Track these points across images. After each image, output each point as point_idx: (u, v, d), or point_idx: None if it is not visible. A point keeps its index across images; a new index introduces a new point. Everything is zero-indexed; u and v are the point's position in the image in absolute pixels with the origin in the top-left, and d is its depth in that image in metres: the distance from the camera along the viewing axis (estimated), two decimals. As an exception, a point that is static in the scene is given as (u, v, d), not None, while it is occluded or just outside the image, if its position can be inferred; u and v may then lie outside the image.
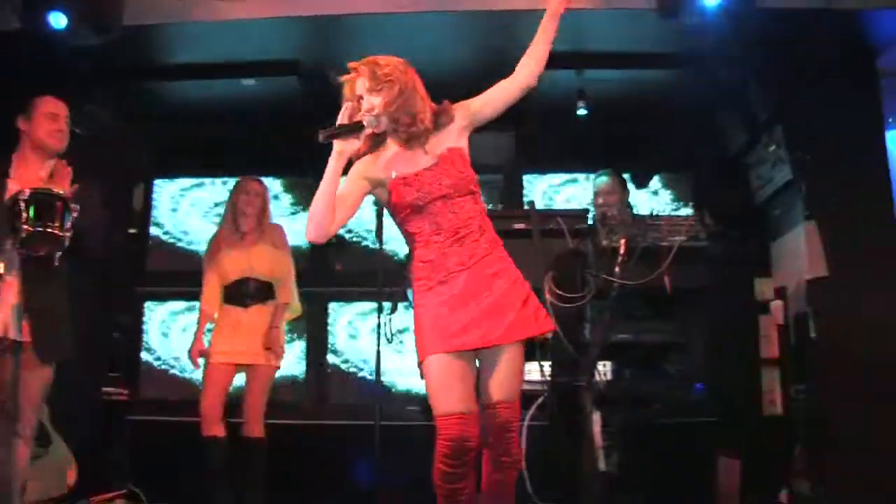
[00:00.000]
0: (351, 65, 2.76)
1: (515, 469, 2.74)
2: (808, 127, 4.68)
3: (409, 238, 2.80)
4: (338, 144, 2.60)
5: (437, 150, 2.75)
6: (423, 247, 2.74)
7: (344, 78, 2.75)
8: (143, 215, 6.18)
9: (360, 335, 5.89)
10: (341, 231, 5.87)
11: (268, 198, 4.70)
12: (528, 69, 2.85)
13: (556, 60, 4.62)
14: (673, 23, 4.15)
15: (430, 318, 2.68)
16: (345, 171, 2.67)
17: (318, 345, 5.89)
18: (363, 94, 2.71)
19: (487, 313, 2.64)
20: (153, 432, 5.24)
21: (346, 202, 2.68)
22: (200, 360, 4.47)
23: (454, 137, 2.80)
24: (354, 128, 2.63)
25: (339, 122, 2.62)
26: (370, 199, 2.88)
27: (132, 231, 6.09)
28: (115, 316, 5.70)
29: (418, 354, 2.69)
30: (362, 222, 5.99)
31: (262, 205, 4.63)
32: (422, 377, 2.69)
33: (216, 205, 6.13)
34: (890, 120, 4.80)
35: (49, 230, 3.18)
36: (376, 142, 2.78)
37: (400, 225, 2.82)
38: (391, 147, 2.80)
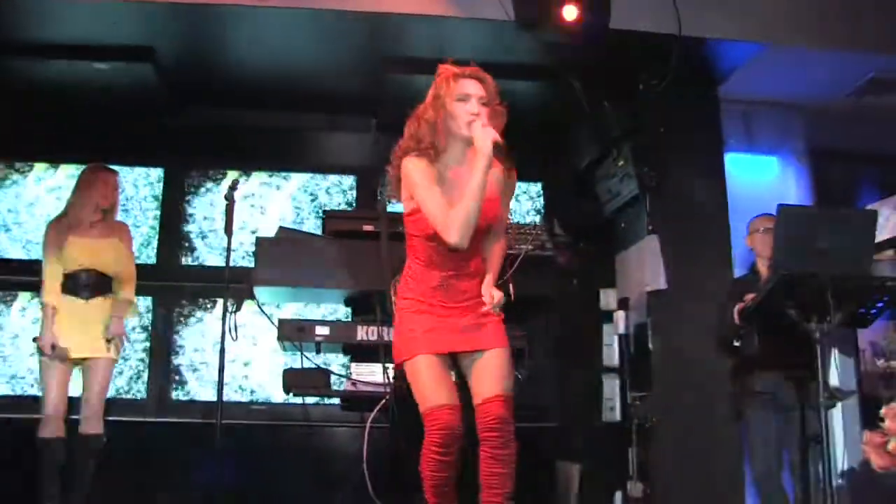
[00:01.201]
0: (477, 70, 2.93)
1: (513, 458, 2.81)
2: (654, 145, 4.87)
3: (414, 253, 2.96)
4: (489, 160, 2.74)
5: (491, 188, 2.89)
6: (423, 267, 2.92)
7: (472, 73, 2.90)
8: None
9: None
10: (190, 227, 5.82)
11: (118, 193, 4.57)
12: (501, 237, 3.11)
13: (415, 66, 4.69)
14: (530, 36, 4.24)
15: (419, 323, 2.89)
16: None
17: (161, 342, 5.70)
18: (475, 100, 2.85)
19: (469, 326, 2.90)
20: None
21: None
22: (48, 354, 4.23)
23: (503, 178, 2.99)
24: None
25: (484, 123, 2.80)
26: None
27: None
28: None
29: (402, 354, 2.91)
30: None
31: (116, 198, 4.52)
32: (403, 377, 2.95)
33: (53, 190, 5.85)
34: (729, 143, 5.06)
35: None
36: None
37: (411, 236, 2.96)
38: (445, 166, 2.91)
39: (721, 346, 4.18)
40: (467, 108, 2.83)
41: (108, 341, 4.30)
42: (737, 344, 3.99)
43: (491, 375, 2.84)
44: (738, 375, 4.13)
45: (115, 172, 4.58)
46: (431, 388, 2.80)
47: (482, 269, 2.99)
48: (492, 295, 2.90)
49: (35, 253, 5.57)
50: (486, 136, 2.74)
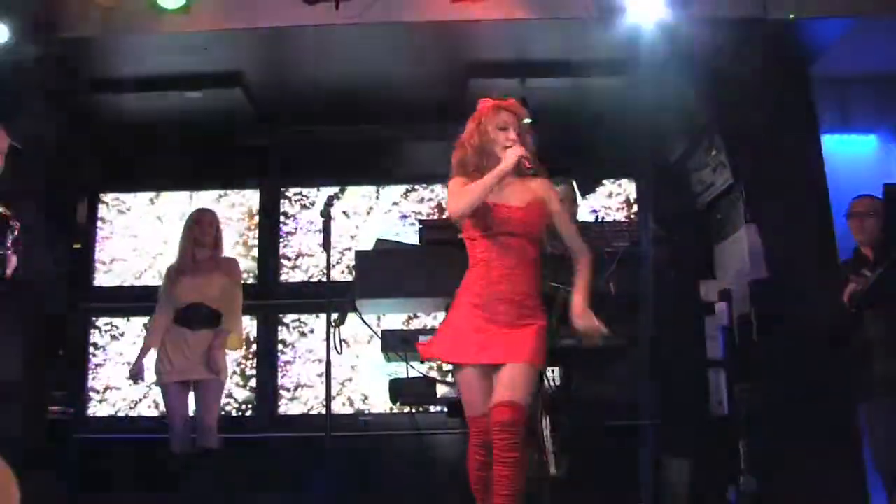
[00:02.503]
0: (514, 103, 3.22)
1: (520, 466, 2.93)
2: (746, 132, 4.78)
3: (473, 256, 3.14)
4: (508, 168, 3.02)
5: (527, 197, 3.12)
6: (481, 267, 3.08)
7: (509, 106, 3.19)
8: (88, 230, 6.10)
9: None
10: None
11: (220, 228, 4.76)
12: (579, 255, 3.27)
13: (498, 69, 4.70)
14: (612, 31, 4.22)
15: (465, 331, 3.07)
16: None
17: (268, 357, 5.86)
18: (512, 129, 3.13)
19: (505, 337, 3.02)
20: (104, 450, 5.20)
21: None
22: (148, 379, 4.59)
23: (544, 196, 3.17)
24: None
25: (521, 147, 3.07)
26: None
27: (77, 246, 5.99)
28: (60, 333, 5.61)
29: (448, 358, 3.19)
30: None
31: (216, 234, 4.71)
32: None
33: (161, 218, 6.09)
34: (824, 123, 4.92)
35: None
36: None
37: (470, 239, 3.15)
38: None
39: (832, 333, 4.05)
40: (506, 135, 3.13)
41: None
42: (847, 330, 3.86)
43: (502, 384, 3.00)
44: (853, 363, 3.99)
45: (209, 211, 4.82)
46: (474, 400, 3.08)
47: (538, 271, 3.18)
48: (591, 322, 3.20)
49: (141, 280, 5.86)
50: (513, 152, 3.06)
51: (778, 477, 4.42)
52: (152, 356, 4.54)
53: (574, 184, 4.73)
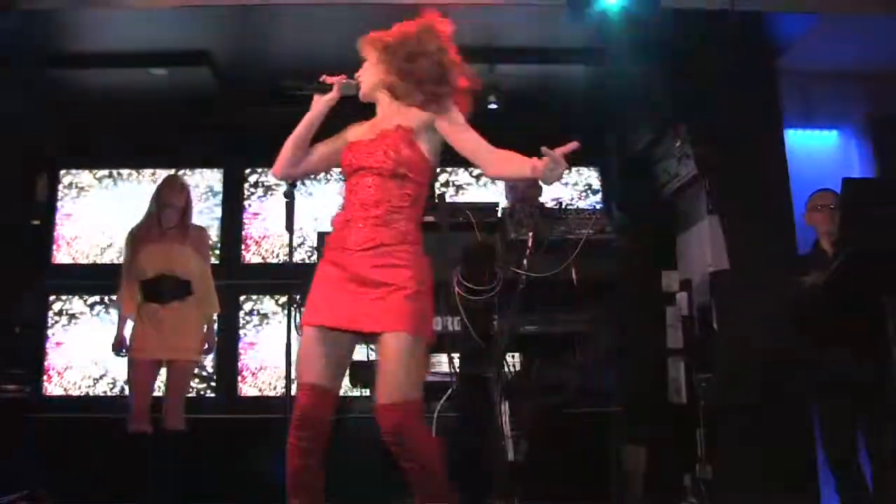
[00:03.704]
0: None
1: (427, 471, 2.52)
2: (711, 124, 4.81)
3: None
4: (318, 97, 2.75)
5: (384, 126, 2.73)
6: (339, 214, 2.74)
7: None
8: (48, 206, 6.01)
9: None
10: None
11: (191, 197, 4.65)
12: (495, 170, 2.74)
13: (468, 54, 4.67)
14: (581, 19, 4.22)
15: (315, 289, 2.67)
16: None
17: (230, 338, 5.83)
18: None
19: (364, 301, 2.56)
20: (60, 430, 5.14)
21: (315, 152, 2.82)
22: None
23: (412, 120, 2.70)
24: (320, 87, 2.77)
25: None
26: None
27: (35, 223, 5.91)
28: (16, 310, 5.53)
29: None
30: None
31: (186, 200, 4.59)
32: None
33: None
34: (788, 118, 4.97)
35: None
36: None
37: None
38: (377, 116, 2.83)
39: (791, 325, 4.10)
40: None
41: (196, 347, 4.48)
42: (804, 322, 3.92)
43: (380, 376, 2.54)
44: (808, 355, 4.05)
45: (180, 177, 4.72)
46: (302, 364, 2.66)
47: (403, 215, 2.68)
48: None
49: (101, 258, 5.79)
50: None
51: (733, 466, 4.47)
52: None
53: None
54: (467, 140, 2.70)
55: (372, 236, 2.61)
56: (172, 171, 5.22)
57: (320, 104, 2.77)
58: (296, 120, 2.82)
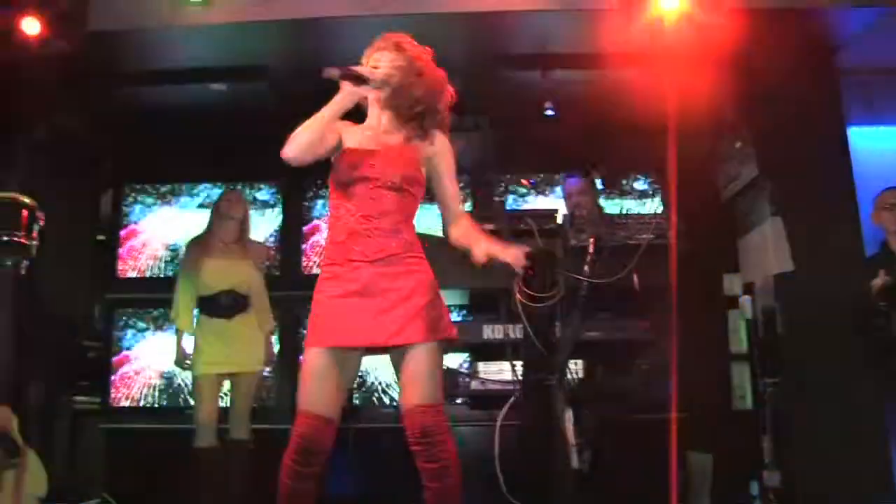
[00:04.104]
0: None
1: (450, 475, 2.57)
2: (773, 124, 4.73)
3: (330, 215, 2.76)
4: (348, 86, 2.64)
5: (387, 140, 2.74)
6: (336, 225, 2.69)
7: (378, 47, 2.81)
8: (113, 222, 6.14)
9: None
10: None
11: (248, 211, 4.73)
12: (452, 233, 2.83)
13: (521, 62, 4.69)
14: (636, 23, 4.19)
15: (323, 309, 2.63)
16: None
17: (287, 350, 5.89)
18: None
19: (379, 313, 2.57)
20: (128, 440, 5.24)
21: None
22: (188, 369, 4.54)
23: (418, 150, 2.76)
24: (360, 77, 2.65)
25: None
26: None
27: (101, 238, 6.04)
28: (84, 324, 5.65)
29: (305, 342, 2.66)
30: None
31: (245, 213, 4.68)
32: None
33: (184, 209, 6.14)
34: (851, 116, 4.86)
35: (15, 239, 3.16)
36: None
37: (330, 198, 2.77)
38: (372, 124, 2.80)
39: (858, 327, 4.01)
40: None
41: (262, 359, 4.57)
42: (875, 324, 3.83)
43: (408, 380, 2.61)
44: (879, 357, 3.96)
45: (238, 191, 4.91)
46: (305, 389, 2.61)
47: (405, 227, 2.72)
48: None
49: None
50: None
51: (801, 472, 4.38)
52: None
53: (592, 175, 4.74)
54: (447, 188, 2.82)
55: (382, 247, 2.62)
56: (231, 186, 5.31)
57: (354, 96, 2.68)
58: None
